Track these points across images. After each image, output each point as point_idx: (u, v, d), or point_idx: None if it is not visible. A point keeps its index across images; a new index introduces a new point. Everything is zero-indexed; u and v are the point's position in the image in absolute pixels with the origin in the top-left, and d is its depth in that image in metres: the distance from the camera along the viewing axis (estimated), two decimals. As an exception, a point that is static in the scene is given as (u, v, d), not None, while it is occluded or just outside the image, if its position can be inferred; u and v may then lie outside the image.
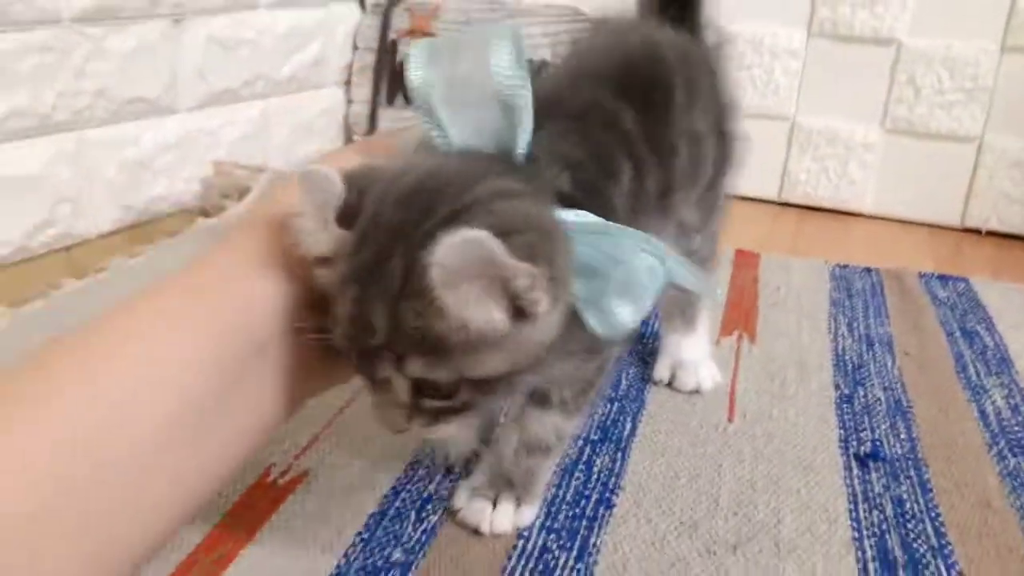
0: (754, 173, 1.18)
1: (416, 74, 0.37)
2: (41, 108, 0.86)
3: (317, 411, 0.62)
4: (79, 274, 0.88)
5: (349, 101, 1.36)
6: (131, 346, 0.34)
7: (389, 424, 0.38)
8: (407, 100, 1.35)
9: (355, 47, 1.36)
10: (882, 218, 1.14)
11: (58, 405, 0.30)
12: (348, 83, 1.36)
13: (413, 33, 1.34)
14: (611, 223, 0.37)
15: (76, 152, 0.91)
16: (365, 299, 0.34)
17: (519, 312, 0.33)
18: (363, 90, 1.36)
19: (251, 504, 0.52)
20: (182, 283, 0.37)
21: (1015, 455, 0.60)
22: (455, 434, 0.40)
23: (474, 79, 0.36)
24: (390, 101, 1.35)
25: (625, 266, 0.36)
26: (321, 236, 0.36)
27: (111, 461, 0.31)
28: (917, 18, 1.07)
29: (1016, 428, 0.63)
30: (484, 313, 0.33)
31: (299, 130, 1.25)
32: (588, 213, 0.37)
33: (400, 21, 1.34)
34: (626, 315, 0.36)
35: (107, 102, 0.93)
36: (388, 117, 1.35)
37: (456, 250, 0.31)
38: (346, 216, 0.35)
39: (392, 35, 1.35)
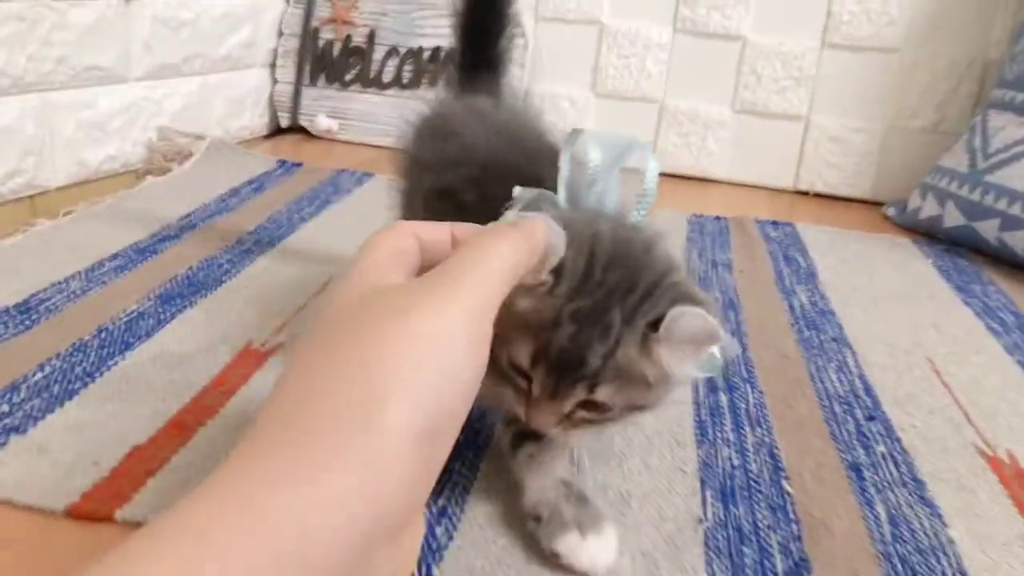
0: (631, 147, 1.40)
1: (594, 153, 0.45)
2: (13, 70, 0.97)
3: (286, 303, 0.77)
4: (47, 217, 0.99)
5: (275, 81, 1.50)
6: None
7: (540, 425, 0.45)
8: (328, 81, 1.50)
9: (280, 33, 1.50)
10: (733, 183, 1.38)
11: None
12: (273, 65, 1.50)
13: (334, 21, 1.49)
14: None
15: (40, 111, 1.02)
16: (582, 337, 0.41)
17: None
18: (287, 72, 1.50)
19: (242, 363, 0.68)
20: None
21: (809, 330, 0.82)
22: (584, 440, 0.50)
23: (633, 171, 0.47)
24: (312, 82, 1.50)
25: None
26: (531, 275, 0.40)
27: None
28: (757, 20, 1.32)
29: (812, 314, 0.86)
30: (687, 367, 0.42)
31: (232, 105, 1.38)
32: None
33: (322, 10, 1.49)
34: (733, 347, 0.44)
35: (68, 68, 1.05)
36: (310, 96, 1.50)
37: (683, 321, 0.40)
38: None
39: (314, 23, 1.50)
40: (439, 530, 0.49)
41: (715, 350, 0.43)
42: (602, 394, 0.43)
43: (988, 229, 1.03)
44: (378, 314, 0.29)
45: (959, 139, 1.15)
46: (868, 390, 0.71)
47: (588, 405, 0.44)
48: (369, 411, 0.26)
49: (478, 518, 0.50)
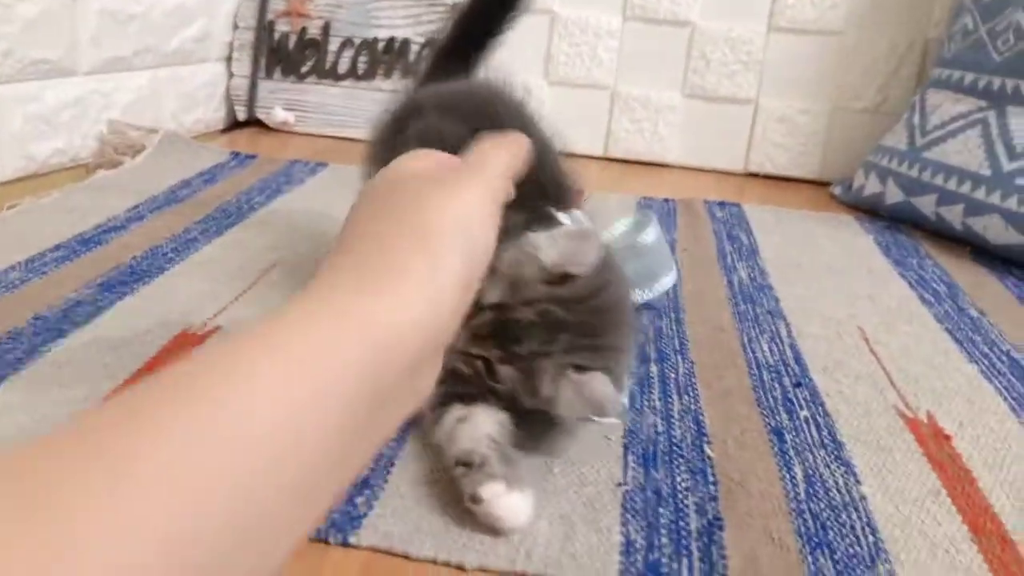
0: (584, 133, 1.41)
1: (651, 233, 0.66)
2: (-45, 63, 0.97)
3: (227, 289, 0.78)
4: (-7, 211, 0.99)
5: (231, 75, 1.50)
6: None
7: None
8: (284, 74, 1.50)
9: (235, 26, 1.50)
10: (685, 167, 1.39)
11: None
12: (229, 59, 1.50)
13: (289, 14, 1.49)
14: None
15: (-15, 105, 1.02)
16: (536, 330, 0.50)
17: None
18: (243, 65, 1.50)
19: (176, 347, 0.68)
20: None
21: (745, 304, 0.84)
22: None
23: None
24: (269, 75, 1.50)
25: None
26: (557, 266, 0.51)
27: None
28: (706, 5, 1.34)
29: (751, 289, 0.87)
30: (569, 411, 0.52)
31: (185, 99, 1.38)
32: None
33: (276, 3, 1.49)
34: None
35: (14, 61, 1.04)
36: (266, 88, 1.50)
37: (597, 386, 0.50)
38: None
39: (269, 16, 1.50)
40: (359, 500, 0.50)
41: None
42: (504, 372, 0.52)
43: (926, 204, 1.05)
44: (418, 188, 0.37)
45: (901, 118, 1.18)
46: (798, 359, 0.72)
47: (488, 363, 0.52)
48: (432, 258, 0.34)
49: (400, 488, 0.51)
